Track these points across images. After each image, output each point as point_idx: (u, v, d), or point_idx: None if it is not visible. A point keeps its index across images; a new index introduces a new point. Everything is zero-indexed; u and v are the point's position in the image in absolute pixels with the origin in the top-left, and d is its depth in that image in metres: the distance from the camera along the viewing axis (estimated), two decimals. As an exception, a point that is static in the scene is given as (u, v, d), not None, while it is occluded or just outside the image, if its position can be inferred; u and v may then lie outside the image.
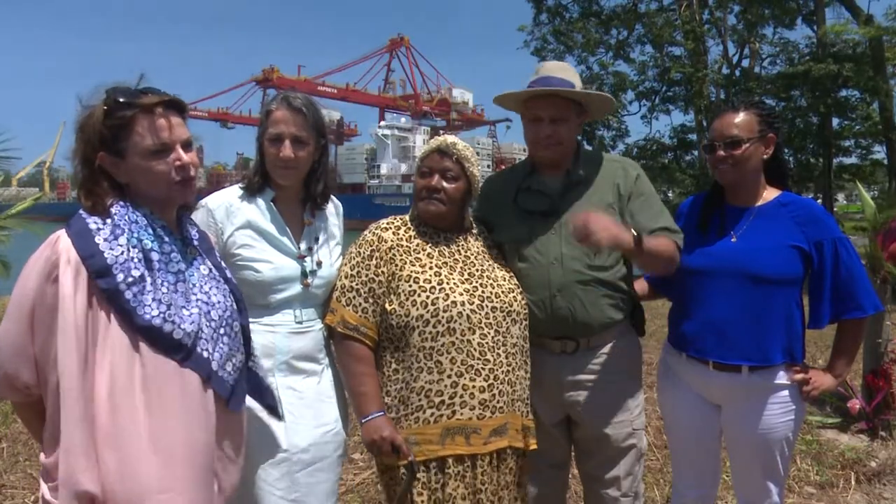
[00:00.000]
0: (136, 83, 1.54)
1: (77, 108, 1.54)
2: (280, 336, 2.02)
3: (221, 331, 1.62)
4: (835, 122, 20.68)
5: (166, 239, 1.57)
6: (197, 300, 1.58)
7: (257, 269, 2.00)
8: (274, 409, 1.89)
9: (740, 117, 2.17)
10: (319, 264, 2.09)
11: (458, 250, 2.14)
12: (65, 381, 1.41)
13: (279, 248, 2.05)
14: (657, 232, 2.16)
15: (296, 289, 2.05)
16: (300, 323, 2.06)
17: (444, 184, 2.09)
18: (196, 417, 1.54)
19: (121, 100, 1.50)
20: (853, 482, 3.58)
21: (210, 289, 1.64)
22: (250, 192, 2.07)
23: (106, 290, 1.44)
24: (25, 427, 1.67)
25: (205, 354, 1.55)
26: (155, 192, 1.57)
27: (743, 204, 2.22)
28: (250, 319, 1.96)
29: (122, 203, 1.53)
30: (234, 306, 1.70)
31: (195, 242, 1.69)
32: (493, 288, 2.09)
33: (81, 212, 1.52)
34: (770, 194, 2.22)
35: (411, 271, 2.04)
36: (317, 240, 2.13)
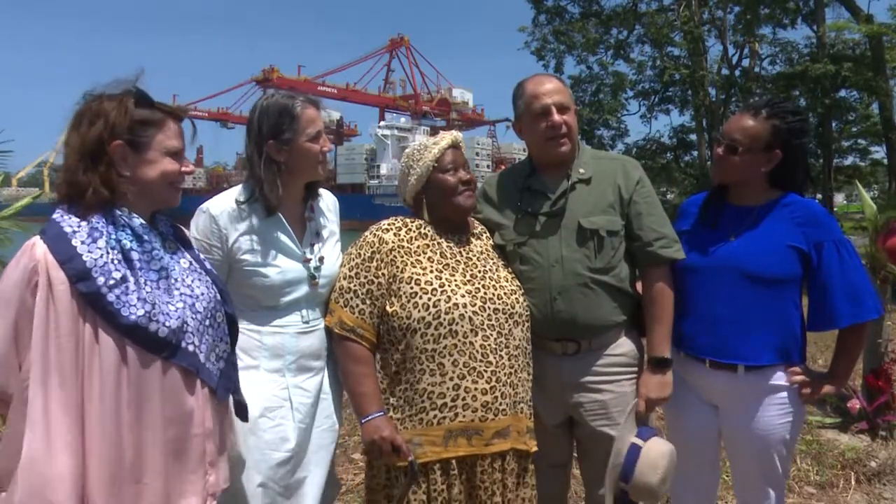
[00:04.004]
0: (135, 78, 1.59)
1: (87, 98, 1.57)
2: (288, 336, 2.04)
3: (207, 322, 1.64)
4: (834, 122, 20.68)
5: (145, 237, 1.57)
6: (181, 294, 1.59)
7: (265, 275, 2.01)
8: (242, 407, 1.82)
9: (752, 123, 2.13)
10: (322, 260, 2.10)
11: (461, 251, 2.14)
12: (42, 390, 1.42)
13: (285, 252, 2.05)
14: (660, 241, 2.18)
15: (303, 290, 2.06)
16: (307, 323, 2.07)
17: (469, 175, 2.12)
18: (177, 412, 1.56)
19: (153, 101, 1.59)
20: (853, 482, 3.58)
21: (192, 281, 1.65)
22: (269, 211, 2.03)
23: (87, 294, 1.44)
24: None
25: (190, 348, 1.57)
26: (155, 189, 1.60)
27: (744, 204, 2.22)
28: (256, 325, 2.00)
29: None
30: (218, 296, 1.72)
31: (171, 237, 1.70)
32: (496, 289, 2.09)
33: (55, 216, 1.51)
34: (772, 195, 2.21)
35: (412, 273, 2.03)
36: (318, 235, 2.14)
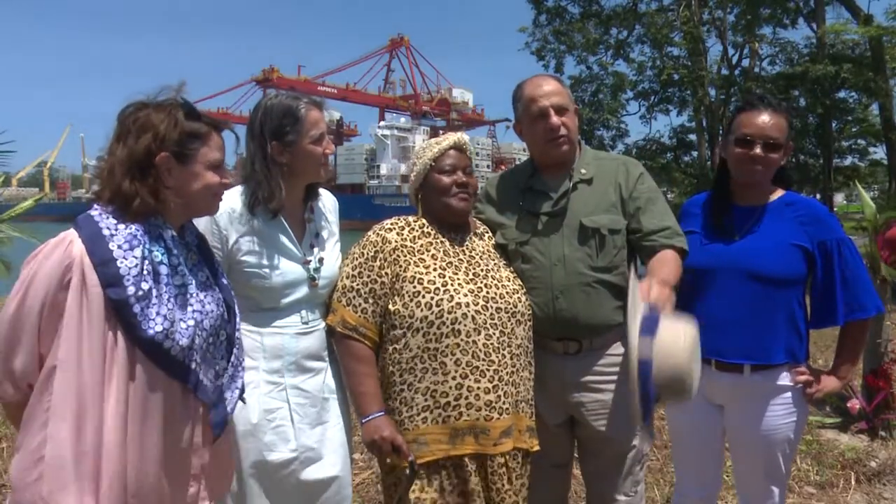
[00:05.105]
0: (178, 87, 1.61)
1: (132, 108, 1.57)
2: (288, 337, 2.04)
3: (211, 340, 1.64)
4: (834, 123, 20.72)
5: (174, 251, 1.58)
6: (193, 311, 1.59)
7: (265, 276, 2.01)
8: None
9: (781, 120, 2.14)
10: (321, 261, 2.10)
11: (463, 250, 2.15)
12: (75, 394, 1.43)
13: (285, 254, 2.05)
14: (662, 233, 2.18)
15: (303, 291, 2.06)
16: (306, 323, 2.07)
17: (469, 179, 2.12)
18: (174, 428, 1.56)
19: (200, 113, 1.61)
20: (853, 482, 3.58)
21: (205, 297, 1.65)
22: (272, 213, 2.03)
23: (114, 301, 1.45)
24: (13, 425, 1.66)
25: (192, 366, 1.57)
26: (197, 201, 1.62)
27: (749, 203, 2.22)
28: (256, 326, 2.00)
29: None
30: (225, 315, 1.72)
31: (195, 248, 1.71)
32: (498, 288, 2.09)
33: (93, 213, 1.52)
34: (774, 194, 2.22)
35: (415, 272, 2.04)
36: (317, 236, 2.14)
